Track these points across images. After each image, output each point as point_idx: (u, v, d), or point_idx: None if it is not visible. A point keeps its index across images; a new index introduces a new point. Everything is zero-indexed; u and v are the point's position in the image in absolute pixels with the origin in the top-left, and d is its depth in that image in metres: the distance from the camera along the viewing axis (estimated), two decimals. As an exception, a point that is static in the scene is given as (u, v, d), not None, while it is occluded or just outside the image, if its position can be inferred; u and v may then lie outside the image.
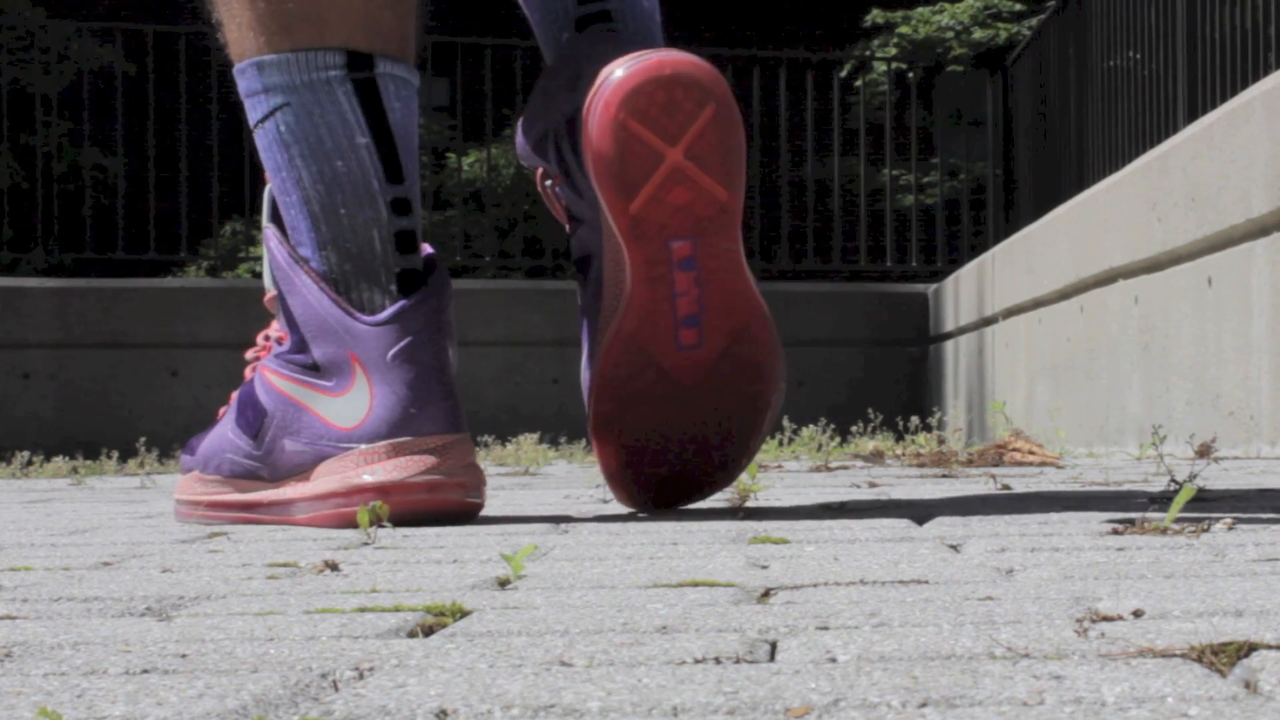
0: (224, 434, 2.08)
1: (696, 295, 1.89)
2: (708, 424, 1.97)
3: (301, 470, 1.97)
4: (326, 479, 1.92)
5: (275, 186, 2.01)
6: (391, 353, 1.93)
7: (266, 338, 2.11)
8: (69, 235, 9.80)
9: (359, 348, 1.94)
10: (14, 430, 7.38)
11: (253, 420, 2.03)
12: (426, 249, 2.03)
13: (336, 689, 0.81)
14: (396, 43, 1.99)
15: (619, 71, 1.85)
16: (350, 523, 1.85)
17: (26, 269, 9.73)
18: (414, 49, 2.04)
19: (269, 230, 2.02)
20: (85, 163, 8.74)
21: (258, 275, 13.70)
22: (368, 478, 1.88)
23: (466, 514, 1.92)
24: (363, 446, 1.90)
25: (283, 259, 2.00)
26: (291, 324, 2.00)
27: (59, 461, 4.67)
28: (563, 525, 1.85)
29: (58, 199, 8.74)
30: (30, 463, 4.61)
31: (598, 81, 1.86)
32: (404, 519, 1.86)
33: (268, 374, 2.02)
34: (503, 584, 1.27)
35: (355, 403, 1.93)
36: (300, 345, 1.98)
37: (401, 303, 1.94)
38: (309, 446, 1.96)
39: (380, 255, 1.97)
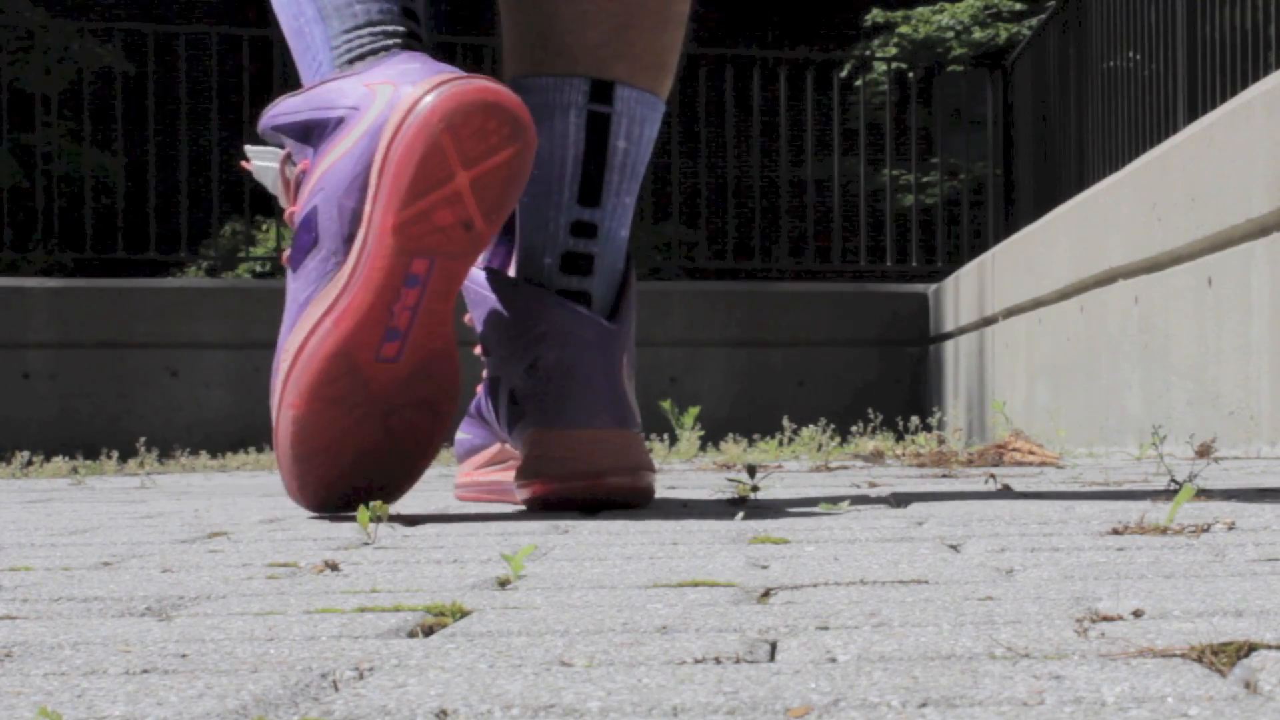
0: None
1: (411, 313, 1.91)
2: (386, 435, 1.98)
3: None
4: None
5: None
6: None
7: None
8: (69, 235, 9.81)
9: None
10: (14, 430, 7.38)
11: None
12: None
13: (336, 689, 0.81)
14: (637, 72, 2.18)
15: (451, 86, 1.87)
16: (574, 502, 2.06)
17: (26, 269, 9.73)
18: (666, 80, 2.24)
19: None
20: (85, 163, 8.74)
21: (258, 275, 13.70)
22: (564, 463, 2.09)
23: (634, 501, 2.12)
24: (579, 429, 2.12)
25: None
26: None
27: (59, 461, 4.67)
28: (563, 525, 1.85)
29: (58, 199, 8.74)
30: (30, 463, 4.61)
31: (427, 86, 1.87)
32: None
33: None
34: (503, 584, 1.27)
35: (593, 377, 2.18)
36: None
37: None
38: None
39: (545, 265, 2.18)
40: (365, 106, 1.90)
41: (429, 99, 1.86)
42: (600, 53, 2.13)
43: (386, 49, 1.98)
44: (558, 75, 2.13)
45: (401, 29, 2.00)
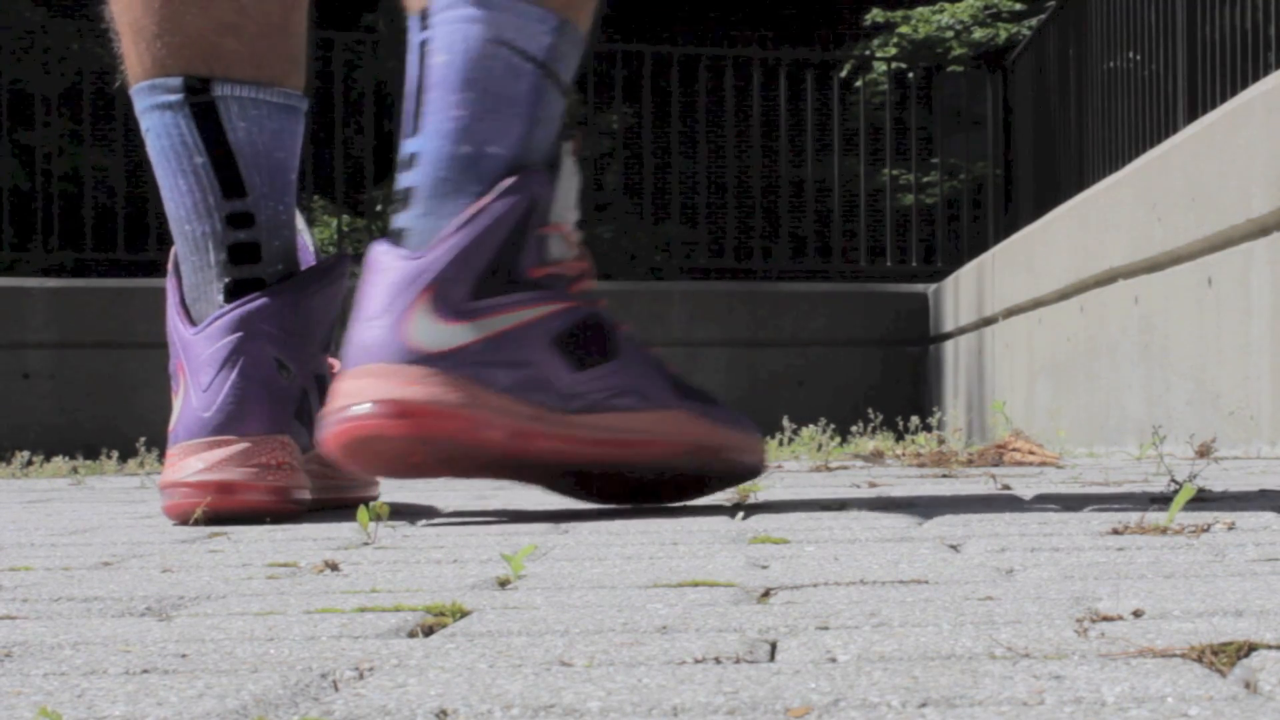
0: None
1: None
2: None
3: None
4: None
5: None
6: (201, 359, 2.10)
7: None
8: (69, 235, 9.80)
9: (185, 355, 2.12)
10: (14, 430, 7.38)
11: None
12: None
13: (336, 689, 0.81)
14: (242, 66, 2.14)
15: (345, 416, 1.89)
16: (174, 515, 2.04)
17: (26, 269, 9.73)
18: (283, 71, 2.16)
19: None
20: (85, 163, 8.73)
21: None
22: (163, 476, 2.08)
23: (256, 513, 2.03)
24: (170, 449, 2.09)
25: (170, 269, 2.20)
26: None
27: (59, 461, 4.66)
28: (563, 525, 1.85)
29: (58, 199, 8.74)
30: (30, 463, 4.61)
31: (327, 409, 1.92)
32: (186, 518, 2.02)
33: None
34: (503, 584, 1.27)
35: (179, 406, 2.11)
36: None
37: (215, 312, 2.11)
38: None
39: (214, 268, 2.14)
40: None
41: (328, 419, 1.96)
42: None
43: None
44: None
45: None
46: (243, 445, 2.05)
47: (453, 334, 1.90)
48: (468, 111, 1.94)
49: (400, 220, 1.94)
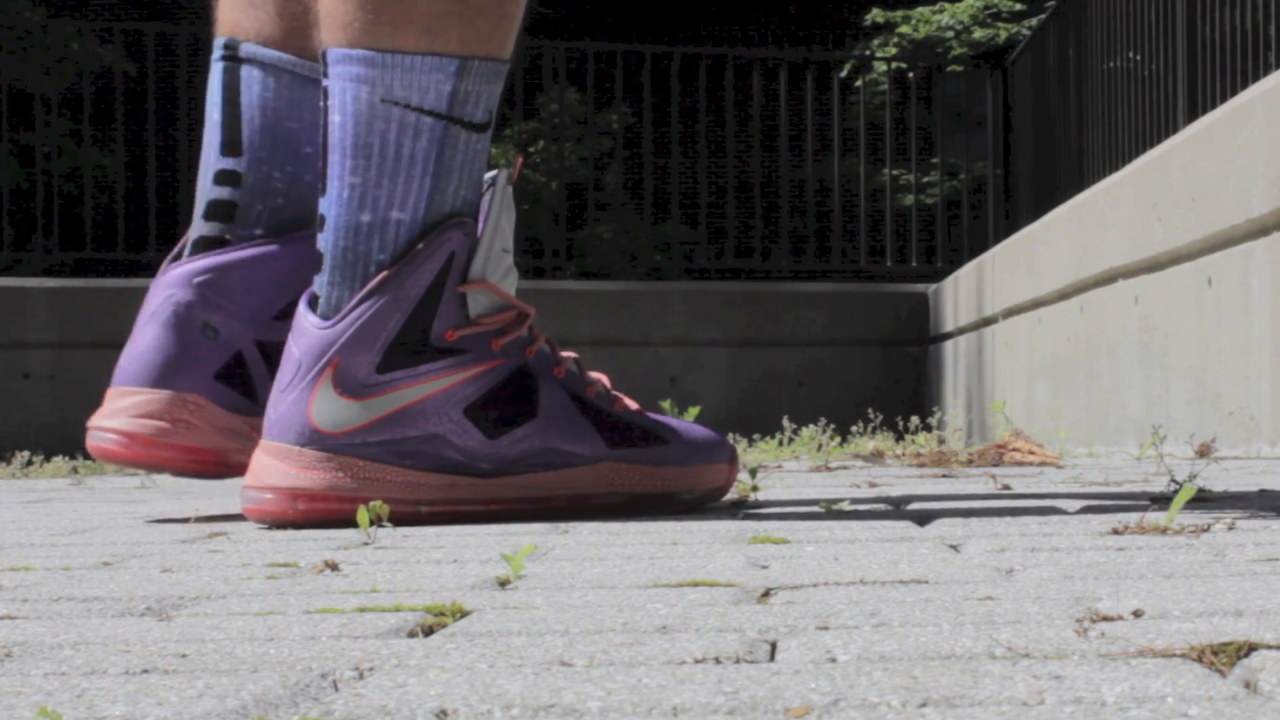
0: None
1: None
2: None
3: None
4: None
5: None
6: (144, 309, 2.19)
7: None
8: (69, 235, 9.80)
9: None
10: (14, 430, 7.38)
11: None
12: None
13: (336, 689, 0.81)
14: (274, 33, 2.17)
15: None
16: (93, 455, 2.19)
17: (26, 269, 9.73)
18: (318, 44, 2.05)
19: None
20: (85, 163, 8.73)
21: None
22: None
23: (136, 465, 2.16)
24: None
25: None
26: None
27: (59, 461, 4.66)
28: (563, 525, 1.85)
29: (58, 199, 8.74)
30: (30, 463, 4.61)
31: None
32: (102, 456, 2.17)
33: None
34: (503, 584, 1.27)
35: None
36: None
37: (165, 265, 2.19)
38: None
39: (194, 220, 2.20)
40: None
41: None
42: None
43: None
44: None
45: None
46: (139, 397, 2.13)
47: (354, 413, 1.89)
48: (362, 179, 1.89)
49: (316, 283, 1.93)
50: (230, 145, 2.17)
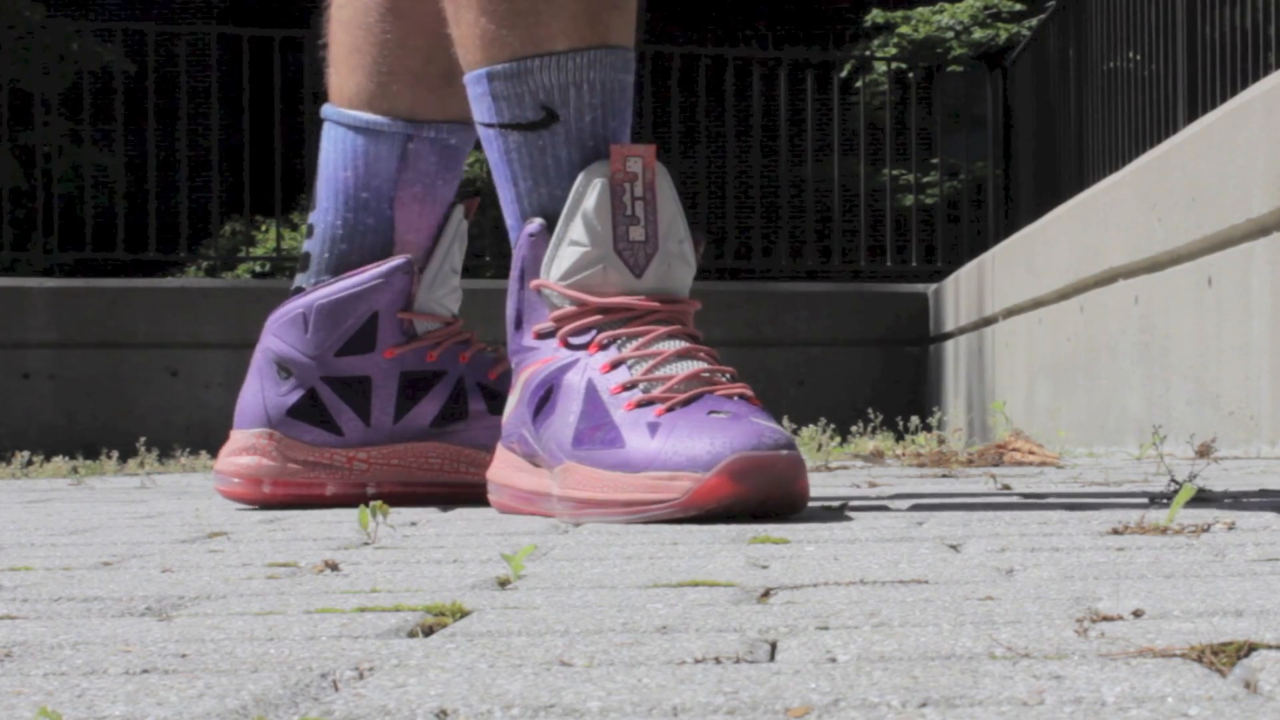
0: None
1: None
2: None
3: None
4: None
5: None
6: None
7: None
8: (69, 235, 9.80)
9: None
10: (14, 430, 7.38)
11: None
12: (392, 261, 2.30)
13: (336, 689, 0.81)
14: (339, 91, 2.33)
15: None
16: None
17: (26, 269, 9.73)
18: (370, 94, 2.31)
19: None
20: (85, 163, 8.73)
21: (257, 275, 13.69)
22: None
23: (231, 499, 2.39)
24: None
25: None
26: None
27: (59, 461, 4.66)
28: (562, 525, 1.85)
29: (58, 199, 8.74)
30: (30, 463, 4.61)
31: None
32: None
33: None
34: (503, 584, 1.27)
35: None
36: None
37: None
38: None
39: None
40: None
41: None
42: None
43: None
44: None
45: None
46: (236, 436, 2.34)
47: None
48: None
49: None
50: (314, 199, 2.36)
